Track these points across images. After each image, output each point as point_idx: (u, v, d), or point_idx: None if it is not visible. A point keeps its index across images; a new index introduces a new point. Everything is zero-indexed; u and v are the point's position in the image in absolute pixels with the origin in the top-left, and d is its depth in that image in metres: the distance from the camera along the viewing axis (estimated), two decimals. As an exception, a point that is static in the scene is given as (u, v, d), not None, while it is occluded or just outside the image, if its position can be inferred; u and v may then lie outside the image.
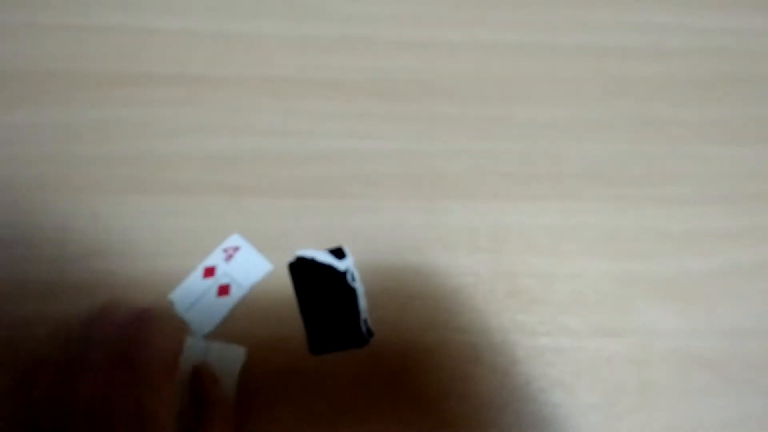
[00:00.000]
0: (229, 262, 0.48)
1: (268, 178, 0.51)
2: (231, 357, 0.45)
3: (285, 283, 0.48)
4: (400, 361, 0.47)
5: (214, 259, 0.48)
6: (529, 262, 0.49)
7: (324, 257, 0.47)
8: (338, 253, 0.48)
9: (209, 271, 0.48)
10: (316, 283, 0.48)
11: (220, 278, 0.48)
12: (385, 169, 0.51)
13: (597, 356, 0.47)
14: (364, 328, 0.47)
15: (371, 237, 0.49)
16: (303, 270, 0.48)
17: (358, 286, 0.47)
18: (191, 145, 0.52)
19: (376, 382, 0.46)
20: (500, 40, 0.54)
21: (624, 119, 0.52)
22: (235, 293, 0.48)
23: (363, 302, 0.47)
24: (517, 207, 0.50)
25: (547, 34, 0.54)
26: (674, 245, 0.49)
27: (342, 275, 0.48)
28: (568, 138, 0.52)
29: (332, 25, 0.54)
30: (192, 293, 0.48)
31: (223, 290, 0.48)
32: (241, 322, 0.47)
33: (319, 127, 0.52)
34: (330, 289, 0.47)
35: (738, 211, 0.50)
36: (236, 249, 0.49)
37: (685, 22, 0.55)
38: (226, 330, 0.46)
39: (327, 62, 0.54)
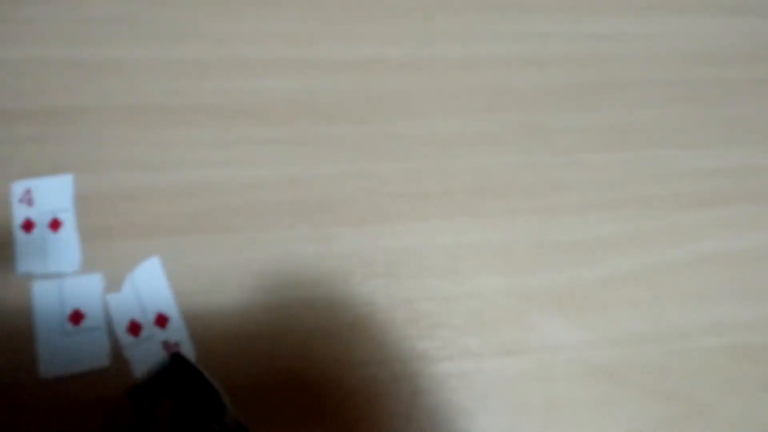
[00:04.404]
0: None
1: (138, 215, 0.47)
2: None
3: (165, 331, 0.44)
4: (299, 402, 0.44)
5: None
6: (426, 285, 0.47)
7: None
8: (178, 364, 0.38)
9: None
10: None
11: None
12: (269, 198, 0.48)
13: (500, 377, 0.46)
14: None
15: (259, 272, 0.46)
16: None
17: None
18: (49, 186, 0.46)
19: (272, 428, 0.43)
20: (378, 55, 0.52)
21: (508, 130, 0.52)
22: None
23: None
24: (410, 228, 0.49)
25: (426, 48, 0.53)
26: (566, 255, 0.49)
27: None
28: (454, 153, 0.51)
29: (201, 47, 0.51)
30: None
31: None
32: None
33: (193, 157, 0.48)
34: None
35: (626, 216, 0.51)
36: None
37: (561, 29, 0.55)
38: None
39: (198, 86, 0.50)
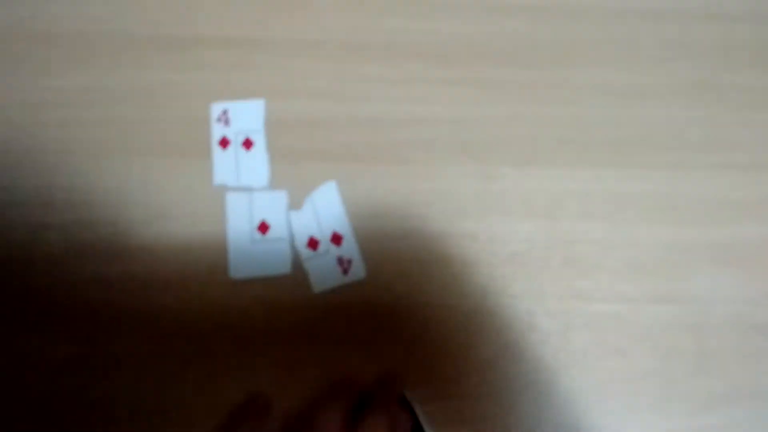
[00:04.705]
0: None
1: (320, 142, 0.51)
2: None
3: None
4: (453, 326, 0.47)
5: None
6: (585, 229, 0.49)
7: None
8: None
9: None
10: None
11: None
12: (440, 135, 0.51)
13: (654, 322, 0.47)
14: None
15: (426, 203, 0.49)
16: None
17: None
18: (244, 109, 0.51)
19: (430, 346, 0.47)
20: (555, 2, 0.53)
21: (681, 84, 0.52)
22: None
23: None
24: (573, 173, 0.50)
25: (604, -4, 0.53)
26: (731, 211, 0.49)
27: None
28: (624, 103, 0.51)
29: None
30: None
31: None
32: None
33: (371, 91, 0.52)
34: None
35: (797, 178, 0.50)
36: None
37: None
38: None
39: (380, 25, 0.53)
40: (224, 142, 0.50)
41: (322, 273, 0.48)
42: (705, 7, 0.53)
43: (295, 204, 0.49)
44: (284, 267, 0.48)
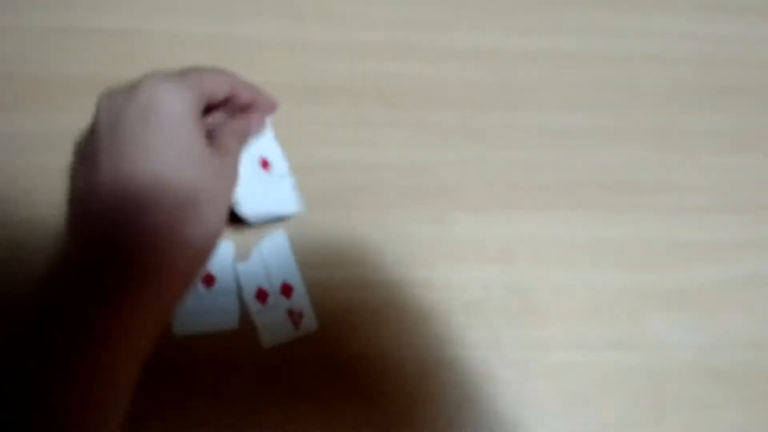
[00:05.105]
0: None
1: (269, 190, 0.49)
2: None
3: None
4: (410, 379, 0.46)
5: None
6: (541, 275, 0.48)
7: None
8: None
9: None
10: None
11: None
12: (390, 179, 0.50)
13: (612, 370, 0.46)
14: None
15: (377, 251, 0.48)
16: None
17: None
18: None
19: (385, 401, 0.45)
20: (506, 45, 0.53)
21: (634, 127, 0.52)
22: None
23: None
24: (528, 217, 0.49)
25: (554, 40, 0.53)
26: (687, 255, 0.49)
27: None
28: (577, 146, 0.51)
29: (334, 29, 0.52)
30: None
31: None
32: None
33: (320, 136, 0.50)
34: None
35: (749, 221, 0.50)
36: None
37: (693, 29, 0.54)
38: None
39: (329, 68, 0.52)
40: None
41: (272, 327, 0.46)
42: (654, 50, 0.54)
43: (241, 255, 0.47)
44: (232, 321, 0.46)
